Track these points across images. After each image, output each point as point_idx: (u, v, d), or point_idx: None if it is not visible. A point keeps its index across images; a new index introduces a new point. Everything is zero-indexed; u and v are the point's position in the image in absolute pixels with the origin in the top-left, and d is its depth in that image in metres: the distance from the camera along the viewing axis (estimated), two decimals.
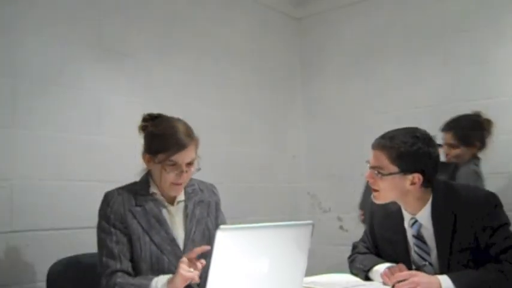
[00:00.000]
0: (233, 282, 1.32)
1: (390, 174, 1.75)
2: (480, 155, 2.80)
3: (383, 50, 3.79)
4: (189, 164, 1.76)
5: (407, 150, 1.73)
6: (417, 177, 1.74)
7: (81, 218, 2.61)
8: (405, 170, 1.74)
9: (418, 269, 1.79)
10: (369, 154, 1.84)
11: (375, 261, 1.90)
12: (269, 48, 4.03)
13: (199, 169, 1.81)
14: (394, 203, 1.88)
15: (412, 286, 1.63)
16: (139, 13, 3.10)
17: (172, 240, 1.76)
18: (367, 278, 1.89)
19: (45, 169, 2.58)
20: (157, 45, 3.18)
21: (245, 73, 3.78)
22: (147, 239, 1.74)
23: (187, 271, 1.55)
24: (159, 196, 1.81)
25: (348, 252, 2.10)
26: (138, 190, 1.81)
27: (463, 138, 2.66)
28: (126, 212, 1.75)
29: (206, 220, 1.88)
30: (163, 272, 1.73)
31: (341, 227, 3.80)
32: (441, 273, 1.71)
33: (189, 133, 1.78)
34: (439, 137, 2.74)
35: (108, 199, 1.78)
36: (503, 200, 1.77)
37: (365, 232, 2.08)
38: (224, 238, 1.27)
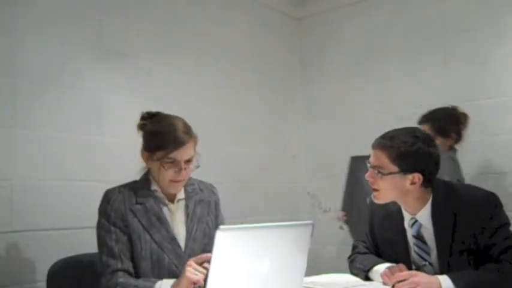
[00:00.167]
0: (233, 282, 1.32)
1: (390, 173, 1.75)
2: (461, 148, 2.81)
3: (383, 50, 3.79)
4: (188, 161, 1.76)
5: (407, 150, 1.73)
6: (417, 177, 1.74)
7: (81, 218, 2.61)
8: (405, 169, 1.74)
9: (418, 269, 1.79)
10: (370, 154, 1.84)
11: (375, 261, 1.90)
12: (269, 48, 4.03)
13: (198, 166, 1.82)
14: (394, 203, 1.88)
15: (412, 286, 1.63)
16: (139, 13, 3.10)
17: (173, 239, 1.76)
18: (367, 278, 1.89)
19: (45, 169, 2.58)
20: (157, 45, 3.18)
21: (245, 73, 3.78)
22: (148, 237, 1.74)
23: (193, 274, 1.55)
24: (159, 194, 1.81)
25: (348, 252, 2.10)
26: (139, 188, 1.81)
27: (439, 130, 2.67)
28: (127, 211, 1.74)
29: (207, 219, 1.88)
30: (164, 270, 1.73)
31: (341, 227, 3.80)
32: (441, 273, 1.71)
33: (188, 130, 1.78)
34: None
35: (108, 197, 1.77)
36: (503, 200, 1.77)
37: (365, 232, 2.08)
38: (224, 238, 1.27)
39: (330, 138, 4.04)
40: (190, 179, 1.87)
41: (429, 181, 1.77)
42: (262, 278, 1.37)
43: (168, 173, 1.75)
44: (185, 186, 1.87)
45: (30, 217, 2.49)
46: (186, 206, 1.86)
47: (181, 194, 1.86)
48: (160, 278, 1.72)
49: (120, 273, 1.69)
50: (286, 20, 4.23)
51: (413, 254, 1.84)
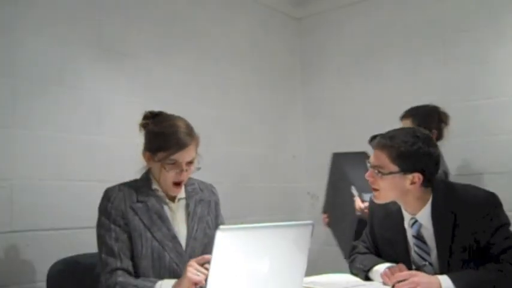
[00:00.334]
0: (233, 282, 1.32)
1: (390, 173, 1.75)
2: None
3: (383, 50, 3.79)
4: (189, 162, 1.77)
5: (407, 149, 1.73)
6: (417, 176, 1.74)
7: (81, 218, 2.61)
8: (405, 169, 1.74)
9: (418, 269, 1.79)
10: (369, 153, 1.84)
11: (374, 261, 1.90)
12: (269, 48, 4.03)
13: (199, 168, 1.82)
14: (394, 203, 1.88)
15: (412, 286, 1.63)
16: (139, 13, 3.10)
17: (174, 237, 1.76)
18: (367, 278, 1.89)
19: (45, 169, 2.58)
20: (157, 45, 3.18)
21: (245, 73, 3.78)
22: (149, 235, 1.74)
23: (195, 274, 1.54)
24: (160, 193, 1.82)
25: None
26: (140, 186, 1.81)
27: (421, 124, 2.68)
28: (128, 209, 1.74)
29: (207, 219, 1.88)
30: (165, 269, 1.73)
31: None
32: (441, 273, 1.71)
33: (190, 132, 1.78)
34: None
35: (109, 195, 1.77)
36: (503, 200, 1.77)
37: (365, 232, 2.08)
38: (224, 238, 1.27)
39: (330, 138, 4.04)
40: (190, 178, 1.87)
41: (429, 181, 1.77)
42: (262, 278, 1.37)
43: (169, 174, 1.75)
44: (185, 186, 1.87)
45: (30, 217, 2.49)
46: (187, 205, 1.86)
47: (181, 193, 1.87)
48: (161, 276, 1.72)
49: (120, 272, 1.68)
50: (286, 20, 4.23)
51: (413, 254, 1.84)
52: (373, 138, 2.87)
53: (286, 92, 4.18)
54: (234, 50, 3.71)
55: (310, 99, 4.23)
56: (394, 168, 1.75)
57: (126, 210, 1.74)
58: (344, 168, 2.57)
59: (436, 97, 3.49)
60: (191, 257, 1.76)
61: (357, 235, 2.46)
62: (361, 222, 2.46)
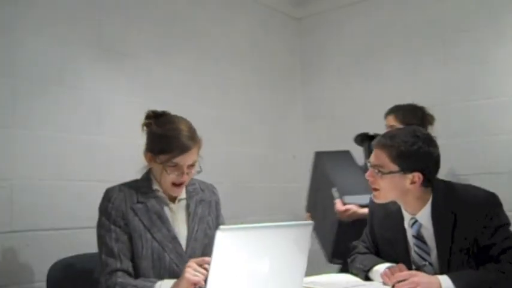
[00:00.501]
0: (233, 283, 1.32)
1: (390, 173, 1.75)
2: None
3: (383, 50, 3.79)
4: (191, 165, 1.76)
5: (407, 149, 1.73)
6: (417, 176, 1.74)
7: (81, 218, 2.61)
8: (405, 169, 1.74)
9: (418, 269, 1.79)
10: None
11: (374, 261, 1.90)
12: (269, 48, 4.03)
13: (200, 171, 1.82)
14: (394, 203, 1.88)
15: (412, 286, 1.63)
16: (139, 13, 3.10)
17: (174, 238, 1.76)
18: (367, 278, 1.89)
19: (45, 169, 2.58)
20: (157, 45, 3.18)
21: (245, 73, 3.78)
22: (149, 236, 1.74)
23: (193, 275, 1.54)
24: (161, 193, 1.81)
25: None
26: (140, 187, 1.81)
27: (404, 120, 2.68)
28: (128, 209, 1.74)
29: (207, 219, 1.88)
30: (165, 270, 1.73)
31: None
32: (441, 273, 1.71)
33: (193, 135, 1.78)
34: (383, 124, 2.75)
35: (109, 195, 1.77)
36: (503, 200, 1.77)
37: (365, 232, 2.08)
38: (224, 238, 1.27)
39: (330, 138, 4.04)
40: (191, 179, 1.87)
41: (429, 181, 1.78)
42: (262, 278, 1.37)
43: (170, 177, 1.75)
44: (186, 186, 1.87)
45: (30, 217, 2.49)
46: (188, 206, 1.86)
47: (182, 194, 1.87)
48: (161, 277, 1.72)
49: (119, 273, 1.68)
50: (286, 20, 4.23)
51: (413, 254, 1.85)
52: (358, 136, 2.87)
53: (286, 92, 4.17)
54: (234, 50, 3.71)
55: (310, 99, 4.22)
56: (394, 167, 1.75)
57: (127, 211, 1.74)
58: (326, 168, 2.52)
59: (436, 97, 3.50)
60: (191, 257, 1.76)
61: (338, 238, 2.44)
62: (341, 225, 2.44)
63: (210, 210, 1.91)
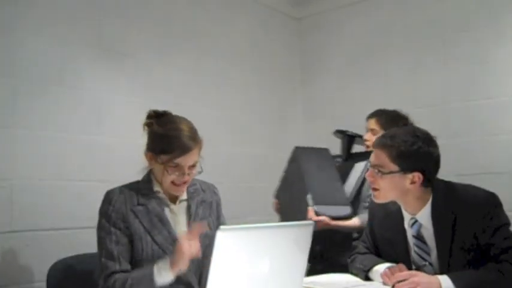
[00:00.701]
0: (233, 283, 1.32)
1: (390, 172, 1.75)
2: None
3: (383, 50, 3.79)
4: (192, 166, 1.76)
5: (407, 149, 1.73)
6: (417, 176, 1.74)
7: (81, 218, 2.61)
8: (405, 169, 1.74)
9: (418, 269, 1.79)
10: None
11: (374, 261, 1.90)
12: (269, 48, 4.03)
13: (200, 172, 1.81)
14: (393, 203, 1.88)
15: (412, 286, 1.63)
16: (139, 13, 3.10)
17: (175, 240, 1.75)
18: (367, 278, 1.89)
19: (45, 169, 2.58)
20: (157, 45, 3.18)
21: (245, 73, 3.79)
22: (149, 238, 1.73)
23: (188, 250, 1.56)
24: (162, 195, 1.81)
25: None
26: (141, 189, 1.80)
27: (385, 125, 2.68)
28: (128, 211, 1.74)
29: (208, 220, 1.87)
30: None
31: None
32: (441, 273, 1.70)
33: (194, 136, 1.77)
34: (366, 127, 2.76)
35: (110, 197, 1.76)
36: (503, 200, 1.77)
37: (365, 232, 2.08)
38: (224, 238, 1.27)
39: (330, 138, 4.03)
40: (192, 179, 1.86)
41: (429, 181, 1.77)
42: (263, 278, 1.37)
43: (171, 177, 1.74)
44: (187, 187, 1.86)
45: (30, 217, 2.49)
46: (188, 207, 1.86)
47: (183, 195, 1.86)
48: None
49: (118, 275, 1.68)
50: (286, 20, 4.23)
51: (413, 254, 1.84)
52: (338, 132, 2.86)
53: (286, 92, 4.18)
54: (234, 50, 3.71)
55: (310, 99, 4.22)
56: (394, 167, 1.75)
57: (127, 213, 1.73)
58: (303, 168, 2.46)
59: (436, 97, 3.51)
60: (191, 259, 1.76)
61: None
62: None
63: (210, 211, 1.91)
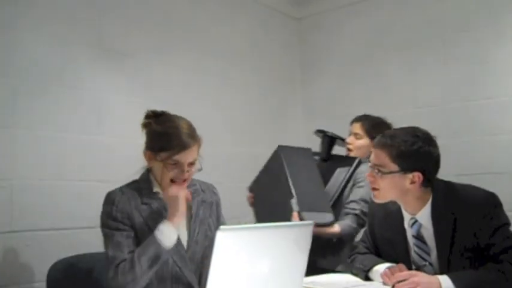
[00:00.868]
0: (233, 283, 1.32)
1: (390, 172, 1.75)
2: None
3: (383, 50, 3.79)
4: (191, 164, 1.76)
5: (407, 149, 1.73)
6: (417, 176, 1.74)
7: (81, 218, 2.61)
8: (405, 168, 1.74)
9: (418, 269, 1.79)
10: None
11: (374, 261, 1.90)
12: (269, 48, 4.03)
13: (200, 169, 1.81)
14: (393, 203, 1.88)
15: (412, 286, 1.63)
16: (139, 13, 3.10)
17: (177, 240, 1.76)
18: (367, 278, 1.89)
19: (45, 169, 2.58)
20: (157, 45, 3.18)
21: (245, 73, 3.78)
22: None
23: (176, 192, 1.69)
24: (161, 195, 1.81)
25: None
26: (142, 188, 1.80)
27: (369, 130, 2.68)
28: (133, 210, 1.73)
29: (208, 220, 1.87)
30: (167, 272, 1.72)
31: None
32: (441, 273, 1.71)
33: (193, 133, 1.78)
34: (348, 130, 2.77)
35: (112, 198, 1.75)
36: (503, 200, 1.77)
37: (365, 232, 2.08)
38: (224, 238, 1.27)
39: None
40: (191, 179, 1.86)
41: (429, 181, 1.77)
42: (263, 278, 1.37)
43: (170, 174, 1.74)
44: (187, 187, 1.86)
45: (30, 217, 2.49)
46: (189, 207, 1.85)
47: None
48: (164, 280, 1.71)
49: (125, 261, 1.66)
50: (286, 20, 4.23)
51: (413, 254, 1.84)
52: (318, 131, 2.85)
53: (286, 92, 4.17)
54: (234, 50, 3.71)
55: (310, 99, 4.22)
56: (394, 167, 1.75)
57: (132, 212, 1.73)
58: (286, 167, 2.40)
59: (436, 97, 3.51)
60: (191, 260, 1.76)
61: None
62: None
63: (211, 211, 1.91)
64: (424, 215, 1.80)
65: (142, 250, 1.64)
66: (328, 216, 2.33)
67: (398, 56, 3.70)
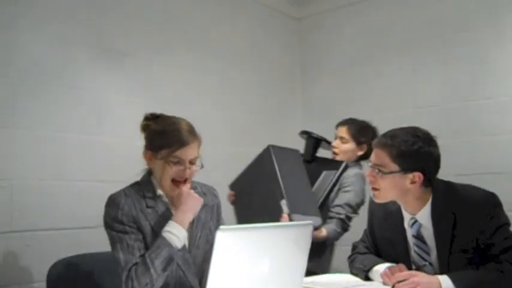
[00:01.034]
0: (233, 283, 1.32)
1: (391, 172, 1.75)
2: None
3: (383, 50, 3.79)
4: (192, 162, 1.75)
5: (408, 149, 1.73)
6: (417, 176, 1.74)
7: (81, 218, 2.61)
8: (406, 168, 1.74)
9: (418, 269, 1.79)
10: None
11: (374, 261, 1.90)
12: (269, 48, 4.03)
13: (202, 166, 1.80)
14: (393, 203, 1.88)
15: (412, 286, 1.63)
16: (139, 13, 3.10)
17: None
18: (367, 278, 1.89)
19: (45, 169, 2.58)
20: (157, 44, 3.18)
21: (245, 73, 3.78)
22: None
23: (187, 191, 1.71)
24: (164, 198, 1.79)
25: (348, 252, 2.10)
26: (145, 191, 1.78)
27: (355, 135, 2.67)
28: (139, 213, 1.72)
29: (209, 224, 1.86)
30: (171, 277, 1.71)
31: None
32: (441, 273, 1.71)
33: (192, 131, 1.77)
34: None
35: (117, 201, 1.72)
36: (503, 200, 1.77)
37: (365, 232, 2.08)
38: (224, 238, 1.27)
39: (329, 138, 4.03)
40: (192, 182, 1.85)
41: (429, 181, 1.77)
42: (263, 278, 1.37)
43: (172, 170, 1.73)
44: None
45: (29, 217, 2.49)
46: None
47: None
48: (167, 284, 1.70)
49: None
50: (286, 20, 4.23)
51: (413, 254, 1.84)
52: (303, 132, 2.85)
53: (286, 92, 4.17)
54: (234, 49, 3.71)
55: (310, 99, 4.22)
56: (395, 167, 1.75)
57: (138, 215, 1.71)
58: (277, 168, 2.34)
59: (436, 97, 3.50)
60: (193, 264, 1.75)
61: None
62: None
63: (212, 215, 1.89)
64: (424, 215, 1.80)
65: (154, 253, 1.62)
66: (317, 220, 2.29)
67: (398, 56, 3.71)
